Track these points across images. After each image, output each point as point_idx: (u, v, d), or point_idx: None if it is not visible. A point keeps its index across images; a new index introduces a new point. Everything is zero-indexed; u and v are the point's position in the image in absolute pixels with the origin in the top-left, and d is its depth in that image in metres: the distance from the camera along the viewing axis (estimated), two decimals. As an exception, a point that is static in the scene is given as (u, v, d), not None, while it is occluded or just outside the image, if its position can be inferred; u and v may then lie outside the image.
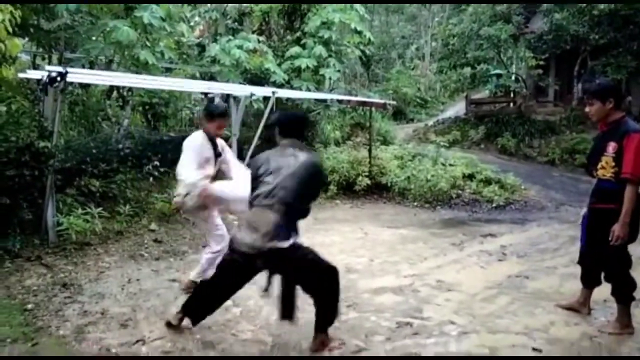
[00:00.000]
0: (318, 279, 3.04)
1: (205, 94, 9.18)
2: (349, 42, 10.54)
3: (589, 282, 3.72)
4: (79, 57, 6.79)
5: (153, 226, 6.38)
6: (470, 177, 10.04)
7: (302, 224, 3.02)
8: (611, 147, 3.35)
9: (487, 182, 9.91)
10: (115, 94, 7.88)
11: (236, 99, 7.66)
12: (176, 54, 7.46)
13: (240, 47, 8.42)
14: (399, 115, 18.17)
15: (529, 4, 13.56)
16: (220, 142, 4.16)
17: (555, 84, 15.31)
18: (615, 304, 3.48)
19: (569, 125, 14.24)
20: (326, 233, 6.75)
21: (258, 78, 9.02)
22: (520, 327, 3.58)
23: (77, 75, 5.25)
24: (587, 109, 3.57)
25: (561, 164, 13.18)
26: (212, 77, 8.46)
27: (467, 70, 14.10)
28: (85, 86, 7.20)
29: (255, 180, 3.01)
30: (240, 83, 8.24)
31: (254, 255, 2.89)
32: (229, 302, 3.98)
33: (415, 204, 9.13)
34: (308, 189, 2.98)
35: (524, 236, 6.73)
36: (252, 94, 7.35)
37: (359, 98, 9.69)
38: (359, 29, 9.94)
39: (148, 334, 3.38)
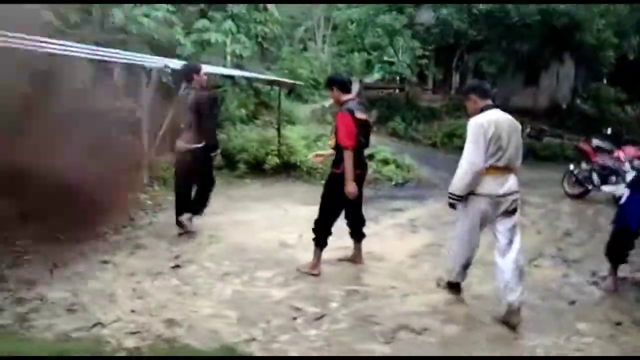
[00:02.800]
0: None
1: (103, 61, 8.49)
2: (256, 19, 10.46)
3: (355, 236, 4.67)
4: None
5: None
6: (370, 157, 10.69)
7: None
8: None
9: (385, 162, 10.68)
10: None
11: (148, 70, 7.25)
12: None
13: (147, 15, 7.92)
14: (294, 96, 18.43)
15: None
16: None
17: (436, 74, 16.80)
18: None
19: (448, 112, 15.76)
20: (245, 211, 6.81)
21: (164, 50, 8.59)
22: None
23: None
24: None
25: (442, 146, 14.58)
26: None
27: (363, 55, 14.81)
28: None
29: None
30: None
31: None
32: (177, 282, 3.97)
33: (322, 182, 9.49)
34: None
35: (425, 210, 7.47)
36: (166, 66, 7.01)
37: (268, 77, 9.71)
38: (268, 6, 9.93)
39: (103, 317, 3.23)
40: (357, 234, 4.67)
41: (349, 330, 3.24)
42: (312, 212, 6.84)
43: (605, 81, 18.02)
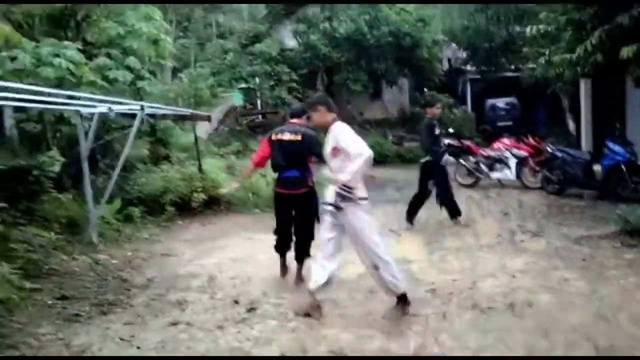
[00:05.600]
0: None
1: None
2: (148, 53, 9.91)
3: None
4: None
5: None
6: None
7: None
8: None
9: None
10: None
11: (83, 117, 6.45)
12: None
13: (56, 55, 6.98)
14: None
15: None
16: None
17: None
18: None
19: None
20: (222, 250, 6.51)
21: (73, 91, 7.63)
22: (493, 266, 4.78)
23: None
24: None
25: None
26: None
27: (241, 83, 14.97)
28: None
29: None
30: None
31: None
32: (275, 322, 3.83)
33: (257, 210, 9.48)
34: None
35: (378, 219, 7.90)
36: (110, 109, 6.32)
37: (183, 111, 9.29)
38: (165, 38, 9.55)
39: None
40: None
41: (481, 317, 3.63)
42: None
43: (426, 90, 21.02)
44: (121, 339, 3.62)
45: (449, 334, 3.39)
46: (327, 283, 3.77)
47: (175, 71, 24.56)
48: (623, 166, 7.59)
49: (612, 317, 3.46)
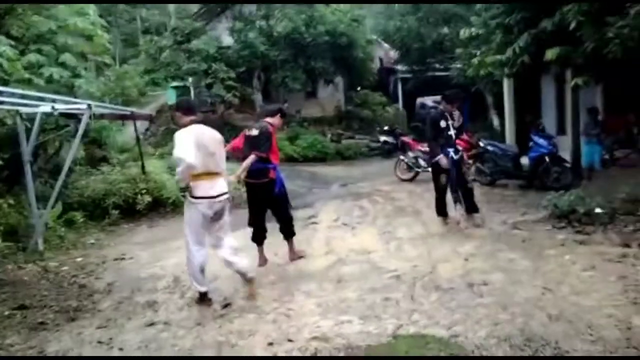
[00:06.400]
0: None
1: None
2: (82, 49, 9.49)
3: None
4: None
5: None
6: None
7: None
8: None
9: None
10: None
11: (23, 116, 6.11)
12: None
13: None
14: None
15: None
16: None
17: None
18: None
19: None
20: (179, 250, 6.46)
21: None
22: (446, 251, 5.19)
23: None
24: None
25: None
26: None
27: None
28: None
29: None
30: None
31: None
32: (253, 315, 3.95)
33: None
34: None
35: (331, 213, 8.29)
36: (54, 109, 6.03)
37: (125, 109, 8.95)
38: (101, 34, 9.19)
39: None
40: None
41: (445, 297, 3.97)
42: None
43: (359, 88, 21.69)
44: (99, 342, 3.58)
45: (420, 313, 3.69)
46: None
47: (99, 68, 23.35)
48: (547, 157, 8.41)
49: (556, 289, 3.94)
